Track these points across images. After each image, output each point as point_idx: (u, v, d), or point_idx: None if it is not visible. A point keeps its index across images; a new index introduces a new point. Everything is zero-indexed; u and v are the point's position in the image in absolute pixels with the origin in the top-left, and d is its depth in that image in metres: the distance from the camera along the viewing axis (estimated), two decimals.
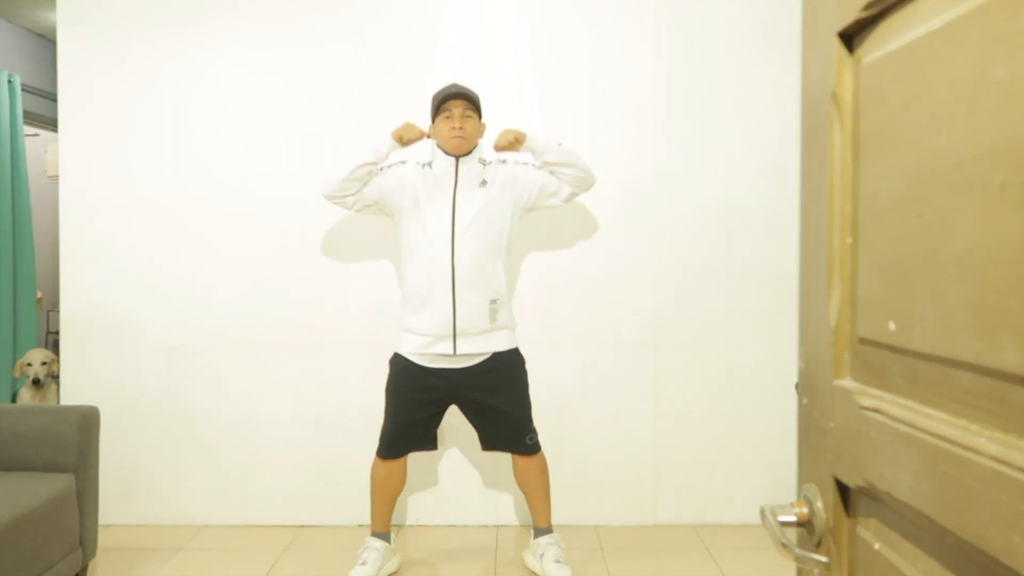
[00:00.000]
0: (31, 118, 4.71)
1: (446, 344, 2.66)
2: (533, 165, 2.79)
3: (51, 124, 4.62)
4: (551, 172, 2.75)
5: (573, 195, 2.79)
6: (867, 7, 0.72)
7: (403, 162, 2.79)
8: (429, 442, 2.81)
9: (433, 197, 2.69)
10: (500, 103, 3.23)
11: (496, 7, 3.26)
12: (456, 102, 2.66)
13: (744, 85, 3.23)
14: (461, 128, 2.65)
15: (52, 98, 4.46)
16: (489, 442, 2.82)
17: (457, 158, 2.71)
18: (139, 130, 3.32)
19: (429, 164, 2.76)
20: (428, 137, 2.74)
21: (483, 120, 2.80)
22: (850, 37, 0.78)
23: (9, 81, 4.20)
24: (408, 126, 2.71)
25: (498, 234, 2.71)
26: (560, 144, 2.74)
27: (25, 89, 4.54)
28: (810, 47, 0.85)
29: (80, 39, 3.31)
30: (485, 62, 3.25)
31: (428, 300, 2.65)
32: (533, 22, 3.26)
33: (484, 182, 2.71)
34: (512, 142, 2.69)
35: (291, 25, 3.27)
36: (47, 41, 4.99)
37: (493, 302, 2.68)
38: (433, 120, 2.72)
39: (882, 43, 0.72)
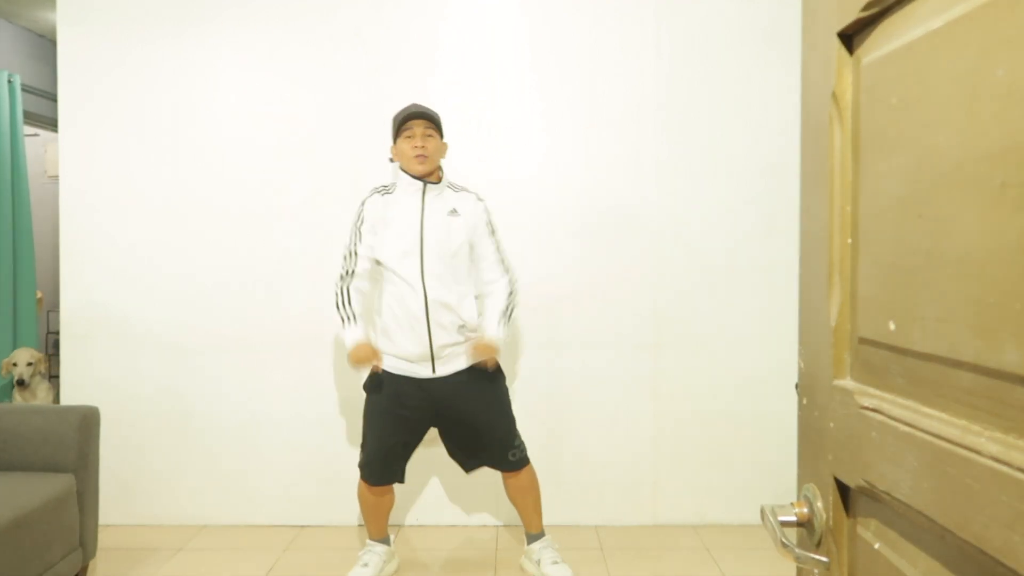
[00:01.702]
0: (31, 118, 4.71)
1: (425, 367, 2.64)
2: (489, 224, 2.73)
3: (51, 124, 4.62)
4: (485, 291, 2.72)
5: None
6: (867, 7, 0.72)
7: (365, 200, 2.72)
8: (402, 472, 2.73)
9: (399, 223, 2.63)
10: (500, 103, 3.23)
11: (496, 7, 3.26)
12: (417, 122, 2.62)
13: (744, 85, 3.23)
14: (423, 147, 2.60)
15: (52, 98, 4.46)
16: (470, 462, 2.78)
17: (424, 183, 2.65)
18: (139, 130, 3.32)
19: (389, 189, 2.70)
20: (378, 370, 2.65)
21: (444, 140, 2.74)
22: (850, 37, 0.77)
23: (9, 81, 4.20)
24: (361, 357, 2.59)
25: (464, 262, 2.67)
26: (502, 327, 2.69)
27: (25, 89, 4.54)
28: (810, 47, 0.85)
29: (80, 39, 3.31)
30: (485, 62, 3.25)
31: (404, 329, 2.62)
32: (533, 22, 3.26)
33: (455, 211, 2.67)
34: (486, 354, 2.64)
35: (291, 25, 3.28)
36: (47, 41, 4.99)
37: (461, 327, 2.65)
38: (395, 141, 2.67)
39: (882, 43, 0.72)
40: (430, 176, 2.66)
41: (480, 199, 2.75)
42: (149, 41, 3.30)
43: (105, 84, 3.31)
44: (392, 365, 2.66)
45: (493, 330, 2.66)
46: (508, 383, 2.82)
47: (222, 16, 3.29)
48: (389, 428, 2.67)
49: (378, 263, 2.68)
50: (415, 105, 2.69)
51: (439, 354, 2.63)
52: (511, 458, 2.71)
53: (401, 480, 2.74)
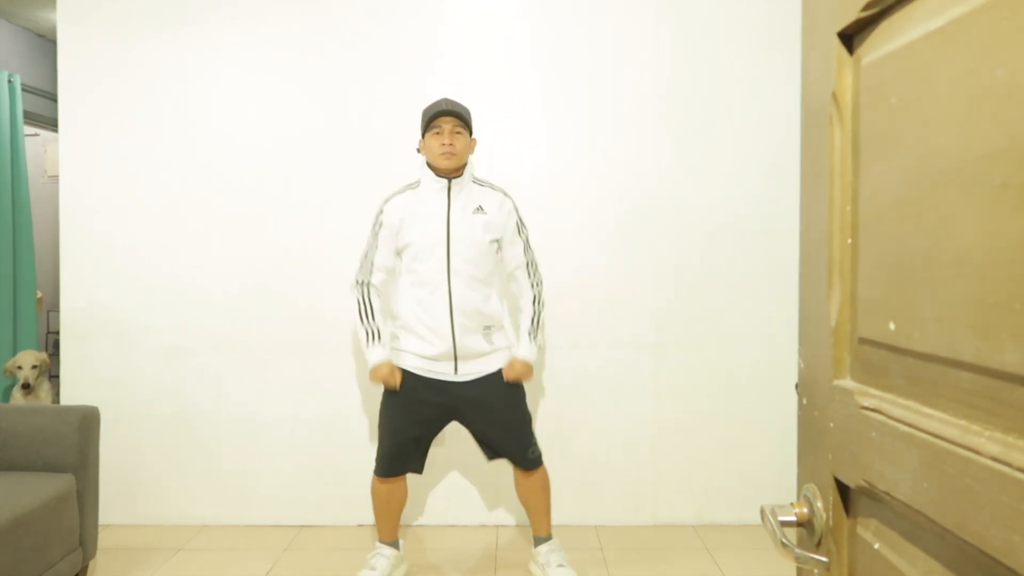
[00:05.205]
0: (31, 118, 4.71)
1: (447, 365, 2.64)
2: (519, 224, 2.74)
3: (51, 124, 4.62)
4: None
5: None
6: (867, 7, 0.72)
7: (386, 200, 2.71)
8: (420, 463, 2.75)
9: (426, 220, 2.62)
10: (500, 103, 3.23)
11: (496, 7, 3.26)
12: (446, 119, 2.60)
13: (744, 85, 3.23)
14: (451, 144, 2.58)
15: (52, 98, 4.46)
16: (493, 452, 2.77)
17: (449, 180, 2.64)
18: (139, 130, 3.32)
19: (413, 186, 2.70)
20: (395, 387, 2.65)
21: (474, 136, 2.75)
22: (850, 37, 0.77)
23: (9, 81, 4.20)
24: (383, 376, 2.62)
25: (491, 261, 2.68)
26: (533, 343, 2.72)
27: (25, 89, 4.54)
28: (810, 47, 0.85)
29: (80, 39, 3.31)
30: (485, 62, 3.25)
31: (428, 328, 2.62)
32: (533, 22, 3.26)
33: (480, 208, 2.66)
34: (521, 375, 2.67)
35: (290, 25, 3.27)
36: (47, 41, 4.99)
37: (487, 328, 2.66)
38: (423, 135, 2.65)
39: (882, 43, 0.72)
40: (455, 172, 2.65)
41: (507, 195, 2.75)
42: (149, 41, 3.30)
43: (105, 84, 3.31)
44: (412, 364, 2.65)
45: (525, 350, 2.69)
46: None
47: (221, 16, 3.29)
48: (403, 424, 2.67)
49: (399, 255, 2.68)
50: (446, 101, 2.65)
51: (462, 354, 2.63)
52: (531, 455, 2.72)
53: (419, 471, 2.75)
